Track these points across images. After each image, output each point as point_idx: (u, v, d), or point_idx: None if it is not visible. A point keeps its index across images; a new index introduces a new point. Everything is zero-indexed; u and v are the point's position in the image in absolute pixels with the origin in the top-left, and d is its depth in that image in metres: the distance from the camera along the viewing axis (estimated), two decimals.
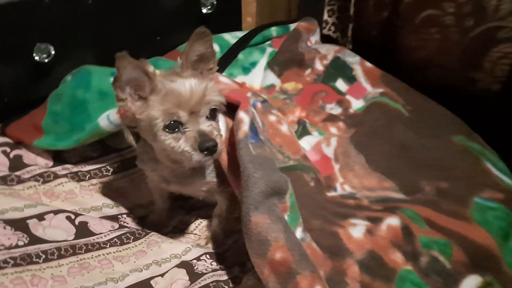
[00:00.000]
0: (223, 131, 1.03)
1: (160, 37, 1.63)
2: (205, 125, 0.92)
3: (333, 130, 1.39)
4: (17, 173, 1.17)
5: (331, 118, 1.41)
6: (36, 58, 1.31)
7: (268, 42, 1.72)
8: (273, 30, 1.73)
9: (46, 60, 1.33)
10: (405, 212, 1.06)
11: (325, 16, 1.89)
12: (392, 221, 1.04)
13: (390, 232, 1.01)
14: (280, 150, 1.19)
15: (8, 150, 1.21)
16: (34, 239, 0.99)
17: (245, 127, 0.99)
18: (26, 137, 1.24)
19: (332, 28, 1.91)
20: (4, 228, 0.98)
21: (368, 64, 1.55)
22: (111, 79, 1.22)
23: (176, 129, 0.90)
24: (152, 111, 0.90)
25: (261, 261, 0.90)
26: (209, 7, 1.70)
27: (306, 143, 1.34)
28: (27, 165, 1.20)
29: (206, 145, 0.88)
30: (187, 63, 0.93)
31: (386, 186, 1.22)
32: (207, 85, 0.92)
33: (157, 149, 0.98)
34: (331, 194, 1.22)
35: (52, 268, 0.94)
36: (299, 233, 0.99)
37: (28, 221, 1.03)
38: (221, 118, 1.04)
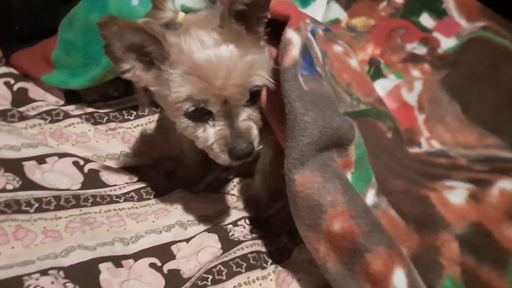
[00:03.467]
0: None
1: None
2: (242, 118, 0.69)
3: (415, 73, 1.12)
4: (21, 108, 1.00)
5: (414, 58, 1.14)
6: None
7: None
8: None
9: None
10: None
11: None
12: (507, 184, 0.77)
13: (505, 199, 0.77)
14: (347, 90, 0.93)
15: (12, 81, 1.04)
16: (28, 184, 0.81)
17: (294, 52, 0.71)
18: (34, 70, 1.06)
19: None
20: None
21: None
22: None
23: (203, 118, 0.68)
24: (172, 93, 0.65)
25: (313, 234, 0.67)
26: None
27: (380, 87, 1.08)
28: (33, 100, 1.02)
29: (239, 153, 0.68)
30: (229, 14, 0.65)
31: (490, 144, 0.95)
32: (252, 62, 0.66)
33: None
34: (414, 150, 0.95)
35: (46, 221, 0.76)
36: (371, 197, 0.75)
37: (24, 162, 0.85)
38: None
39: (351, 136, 0.73)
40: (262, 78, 0.67)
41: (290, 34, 0.72)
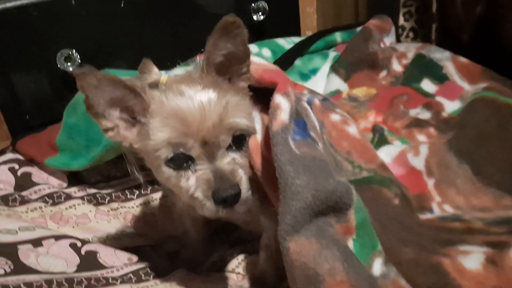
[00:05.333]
0: (259, 131, 0.78)
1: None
2: (224, 161, 0.69)
3: (421, 138, 1.10)
4: (23, 192, 1.02)
5: (418, 123, 1.13)
6: (60, 66, 1.19)
7: (331, 49, 1.50)
8: (338, 36, 1.52)
9: (71, 69, 1.21)
10: None
11: (401, 21, 1.64)
12: None
13: None
14: (347, 159, 0.92)
15: (17, 167, 1.07)
16: (20, 268, 0.80)
17: (283, 116, 0.71)
18: (38, 154, 1.09)
19: (411, 35, 1.66)
20: None
21: (463, 59, 1.26)
22: None
23: (185, 164, 0.68)
24: (151, 141, 0.66)
25: None
26: (260, 13, 1.53)
27: (386, 154, 1.05)
28: (36, 184, 1.04)
29: (223, 196, 0.65)
30: (208, 66, 0.69)
31: (507, 205, 0.90)
32: (229, 102, 0.68)
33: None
34: (426, 216, 0.91)
35: None
36: (378, 266, 0.70)
37: (19, 246, 0.84)
38: (256, 116, 0.80)
39: (349, 200, 0.69)
40: (241, 118, 0.68)
41: (278, 99, 0.73)
